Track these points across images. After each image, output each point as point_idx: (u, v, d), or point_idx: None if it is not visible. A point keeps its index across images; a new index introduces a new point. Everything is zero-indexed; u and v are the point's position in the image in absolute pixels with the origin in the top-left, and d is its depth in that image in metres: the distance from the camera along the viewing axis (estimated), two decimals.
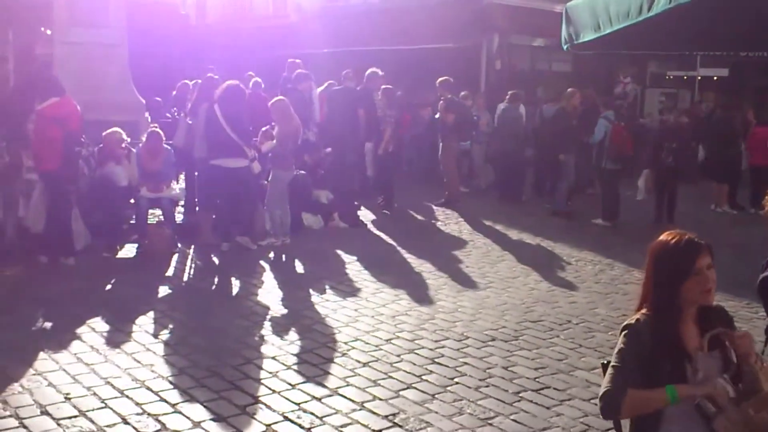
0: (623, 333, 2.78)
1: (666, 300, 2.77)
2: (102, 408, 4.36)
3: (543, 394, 4.85)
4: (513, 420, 4.44)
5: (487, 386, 4.93)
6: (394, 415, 4.43)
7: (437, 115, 12.78)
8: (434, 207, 11.88)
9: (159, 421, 4.22)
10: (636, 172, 12.39)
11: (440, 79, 12.44)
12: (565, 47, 4.93)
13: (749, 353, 2.76)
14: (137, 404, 4.42)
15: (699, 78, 22.64)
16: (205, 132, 8.35)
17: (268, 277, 7.59)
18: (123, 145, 8.32)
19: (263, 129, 8.74)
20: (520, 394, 4.81)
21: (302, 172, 9.69)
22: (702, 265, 2.73)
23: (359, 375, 5.02)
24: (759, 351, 2.98)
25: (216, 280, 7.58)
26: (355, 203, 10.73)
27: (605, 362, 3.03)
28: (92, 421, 4.18)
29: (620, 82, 19.40)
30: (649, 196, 11.71)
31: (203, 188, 9.05)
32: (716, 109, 15.02)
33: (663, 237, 2.85)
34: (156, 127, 8.77)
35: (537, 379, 5.09)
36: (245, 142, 8.26)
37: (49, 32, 12.88)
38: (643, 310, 2.84)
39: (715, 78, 22.32)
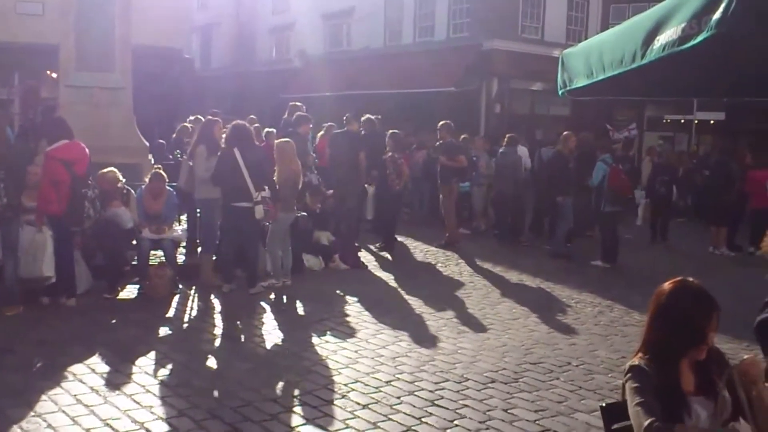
0: (630, 374, 2.79)
1: (665, 351, 2.79)
2: None
3: None
4: None
5: (487, 429, 4.92)
6: None
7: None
8: (434, 248, 11.93)
9: None
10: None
11: (441, 122, 12.61)
12: (560, 93, 5.02)
13: (757, 379, 2.77)
14: None
15: (696, 122, 22.89)
16: (221, 174, 8.27)
17: (269, 319, 7.61)
18: (119, 185, 8.38)
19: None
20: None
21: (303, 213, 9.75)
22: (710, 331, 2.75)
23: (359, 417, 5.02)
24: None
25: (217, 321, 7.58)
26: (356, 245, 10.78)
27: (603, 405, 3.05)
28: None
29: (611, 129, 19.63)
30: (644, 223, 14.72)
31: (206, 229, 9.08)
32: (713, 153, 15.22)
33: (673, 288, 2.81)
34: (159, 169, 8.85)
35: (537, 422, 5.08)
36: (258, 187, 8.31)
37: (54, 75, 13.06)
38: (641, 355, 2.86)
39: (711, 122, 22.57)
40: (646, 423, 2.60)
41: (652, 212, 14.37)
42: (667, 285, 2.84)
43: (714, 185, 13.33)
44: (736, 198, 12.91)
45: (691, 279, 2.85)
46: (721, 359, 2.92)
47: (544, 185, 12.54)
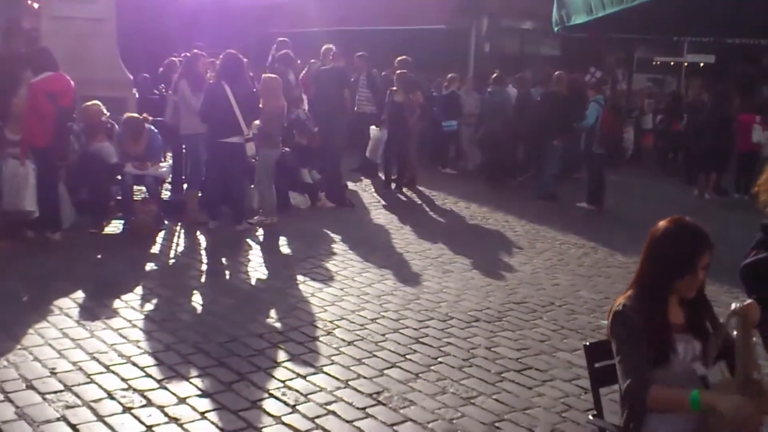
0: (615, 322, 2.79)
1: (658, 287, 2.80)
2: (88, 383, 4.38)
3: (525, 374, 4.93)
4: (495, 400, 4.51)
5: (470, 366, 4.99)
6: (378, 393, 4.49)
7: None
8: (420, 188, 11.90)
9: (145, 397, 4.26)
10: None
11: (399, 58, 12.23)
12: (555, 29, 4.95)
13: (754, 323, 2.75)
14: (123, 379, 4.45)
15: (686, 64, 22.75)
16: (209, 109, 8.05)
17: (255, 255, 7.62)
18: (103, 119, 8.24)
19: None
20: (503, 375, 4.88)
21: (287, 149, 9.64)
22: (700, 267, 2.75)
23: (344, 353, 5.08)
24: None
25: (202, 257, 7.59)
26: (342, 183, 10.74)
27: (587, 344, 3.09)
28: (78, 396, 4.20)
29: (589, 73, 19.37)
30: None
31: (192, 165, 8.99)
32: (707, 97, 15.00)
33: (669, 224, 2.82)
34: (132, 114, 8.63)
35: (519, 360, 5.16)
36: (249, 122, 8.19)
37: (36, 6, 12.71)
38: (630, 292, 2.86)
39: (701, 64, 22.43)
40: (624, 388, 2.66)
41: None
42: (662, 222, 2.85)
43: (708, 129, 13.03)
44: (730, 143, 12.81)
45: (687, 217, 2.86)
46: (708, 304, 2.93)
47: (533, 126, 12.42)
